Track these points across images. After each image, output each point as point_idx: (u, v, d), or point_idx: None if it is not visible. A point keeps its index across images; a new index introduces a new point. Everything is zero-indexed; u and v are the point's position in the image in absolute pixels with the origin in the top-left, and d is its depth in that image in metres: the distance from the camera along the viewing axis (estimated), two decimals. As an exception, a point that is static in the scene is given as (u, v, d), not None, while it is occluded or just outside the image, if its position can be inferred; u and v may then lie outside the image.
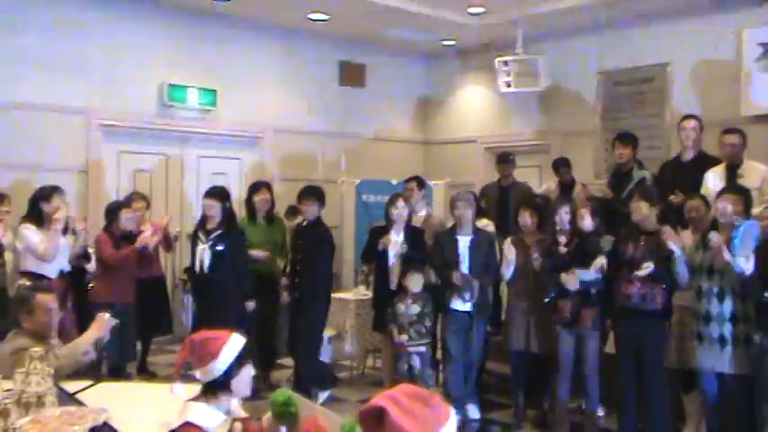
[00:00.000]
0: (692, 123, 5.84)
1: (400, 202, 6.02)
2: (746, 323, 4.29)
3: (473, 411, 5.76)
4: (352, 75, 9.71)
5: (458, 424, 1.86)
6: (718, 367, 4.37)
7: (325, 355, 6.65)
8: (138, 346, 6.68)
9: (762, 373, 4.31)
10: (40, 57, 7.34)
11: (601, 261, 4.97)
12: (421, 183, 6.70)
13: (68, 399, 3.25)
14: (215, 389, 2.55)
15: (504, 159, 7.34)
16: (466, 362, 5.71)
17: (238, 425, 2.58)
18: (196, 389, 2.63)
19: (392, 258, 5.99)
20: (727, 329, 4.31)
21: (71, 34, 7.51)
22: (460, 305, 5.66)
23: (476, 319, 5.68)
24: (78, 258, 5.94)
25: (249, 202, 6.57)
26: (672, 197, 5.39)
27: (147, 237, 6.03)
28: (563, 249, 5.22)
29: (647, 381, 4.87)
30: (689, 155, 5.87)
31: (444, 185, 8.80)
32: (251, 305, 6.00)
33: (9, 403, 2.75)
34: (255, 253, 6.25)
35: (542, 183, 8.89)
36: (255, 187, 6.63)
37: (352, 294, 6.88)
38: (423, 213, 6.58)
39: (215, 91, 8.42)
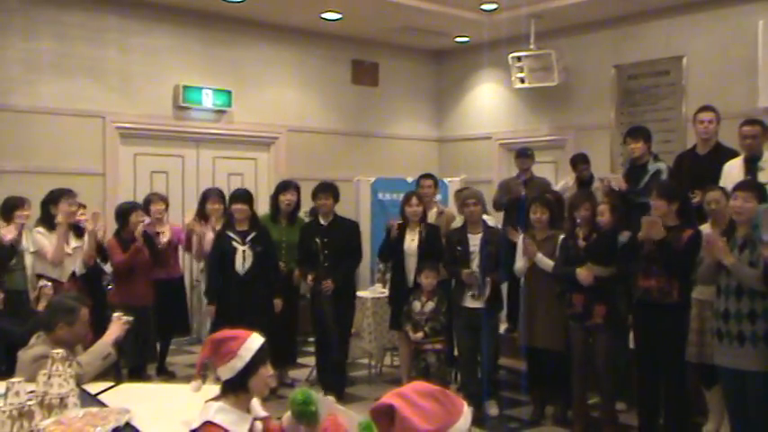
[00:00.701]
0: (708, 116, 5.78)
1: (414, 200, 6.04)
2: (766, 320, 4.25)
3: (491, 408, 5.75)
4: (365, 74, 9.72)
5: (475, 421, 1.86)
6: (737, 364, 4.33)
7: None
8: (157, 347, 6.73)
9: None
10: (57, 61, 7.43)
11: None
12: (436, 180, 6.70)
13: (91, 400, 3.27)
14: (234, 388, 2.57)
15: (523, 154, 7.29)
16: (479, 359, 5.70)
17: (259, 424, 2.60)
18: (216, 389, 2.64)
19: (408, 256, 5.99)
20: (746, 327, 4.27)
21: (87, 39, 7.59)
22: (472, 302, 5.66)
23: (487, 316, 5.68)
24: (93, 258, 5.93)
25: (275, 200, 6.58)
26: (692, 197, 5.32)
27: (144, 224, 6.05)
28: (581, 243, 5.21)
29: (665, 375, 4.85)
30: (705, 147, 5.82)
31: (459, 182, 8.79)
32: (278, 303, 6.05)
33: (32, 405, 2.78)
34: None
35: (558, 179, 8.85)
36: (283, 187, 6.61)
37: (369, 293, 6.88)
38: (435, 210, 6.59)
39: (230, 92, 8.46)
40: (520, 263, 5.65)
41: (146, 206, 6.57)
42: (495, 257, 5.68)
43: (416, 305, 5.81)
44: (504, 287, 6.10)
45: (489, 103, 9.86)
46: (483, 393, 5.70)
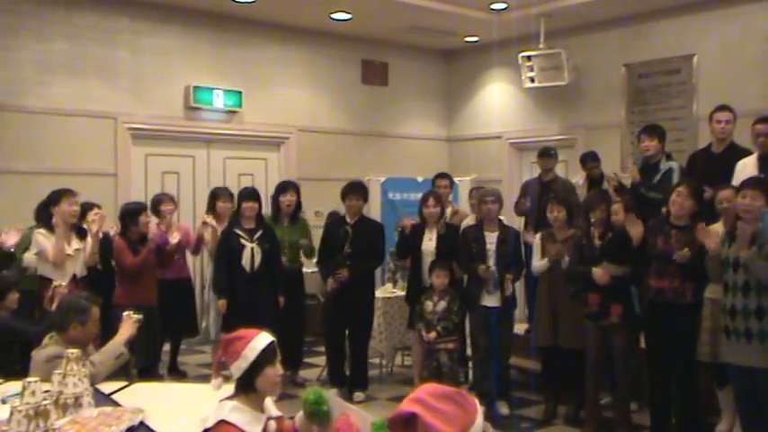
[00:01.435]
0: (725, 116, 5.73)
1: (431, 201, 6.05)
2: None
3: (502, 407, 5.75)
4: (375, 73, 9.73)
5: (486, 420, 1.86)
6: (745, 361, 4.32)
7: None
8: (167, 347, 6.76)
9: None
10: (69, 63, 7.47)
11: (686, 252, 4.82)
12: (452, 180, 6.70)
13: (105, 399, 3.29)
14: (244, 388, 2.58)
15: (546, 153, 7.15)
16: (495, 358, 5.71)
17: (272, 423, 2.61)
18: (231, 388, 2.65)
19: (426, 256, 6.01)
20: (753, 323, 4.26)
21: (98, 40, 7.63)
22: (488, 300, 5.67)
23: (503, 314, 5.68)
24: (95, 260, 5.94)
25: (275, 201, 6.61)
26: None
27: (154, 231, 6.07)
28: (597, 242, 5.21)
29: (677, 375, 4.84)
30: (720, 146, 5.79)
31: (470, 181, 8.79)
32: (281, 300, 6.09)
33: (48, 404, 2.80)
34: None
35: (568, 178, 8.84)
36: (283, 188, 6.64)
37: (381, 292, 6.89)
38: (449, 209, 6.61)
39: (240, 92, 8.49)
40: (538, 262, 5.64)
41: (155, 206, 6.59)
42: (510, 256, 5.69)
43: (428, 305, 5.82)
44: (521, 288, 6.08)
45: (499, 102, 9.85)
46: (496, 392, 5.70)
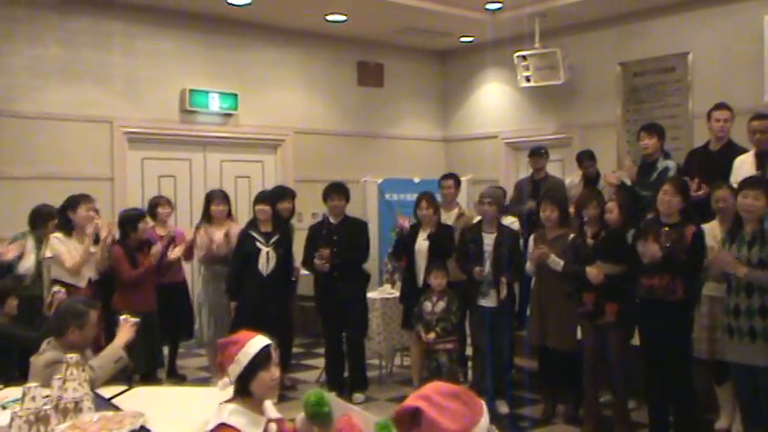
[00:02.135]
0: (724, 114, 5.71)
1: (424, 204, 6.06)
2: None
3: (501, 407, 5.76)
4: (370, 75, 9.74)
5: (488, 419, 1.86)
6: (749, 360, 4.32)
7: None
8: (166, 351, 6.74)
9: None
10: (63, 67, 7.47)
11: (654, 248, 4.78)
12: (458, 181, 6.69)
13: (105, 404, 3.29)
14: (240, 391, 2.59)
15: (536, 153, 7.23)
16: (495, 357, 5.72)
17: (273, 425, 2.61)
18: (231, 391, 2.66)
19: (419, 256, 6.03)
20: (758, 322, 4.26)
21: (92, 44, 7.62)
22: (486, 301, 5.68)
23: (501, 314, 5.70)
24: (106, 266, 5.96)
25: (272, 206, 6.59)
26: (692, 191, 5.32)
27: (160, 248, 6.05)
28: (590, 242, 5.21)
29: (672, 371, 4.83)
30: (718, 144, 5.80)
31: (466, 182, 8.78)
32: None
33: (48, 409, 2.80)
34: None
35: (565, 177, 8.85)
36: (280, 195, 6.65)
37: (378, 293, 6.89)
38: (455, 211, 6.55)
39: (236, 95, 8.49)
40: (531, 263, 5.65)
41: (152, 209, 6.59)
42: (507, 258, 5.69)
43: (427, 305, 5.82)
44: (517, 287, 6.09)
45: (495, 102, 9.86)
46: (494, 392, 5.70)
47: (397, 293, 6.73)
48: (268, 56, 8.85)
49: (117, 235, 6.03)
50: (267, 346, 2.61)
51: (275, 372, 2.62)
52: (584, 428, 5.33)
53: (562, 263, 5.38)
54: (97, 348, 4.06)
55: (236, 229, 6.38)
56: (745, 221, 4.39)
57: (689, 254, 4.69)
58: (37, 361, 3.61)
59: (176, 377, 6.78)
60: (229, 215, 6.62)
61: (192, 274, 7.64)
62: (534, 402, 5.91)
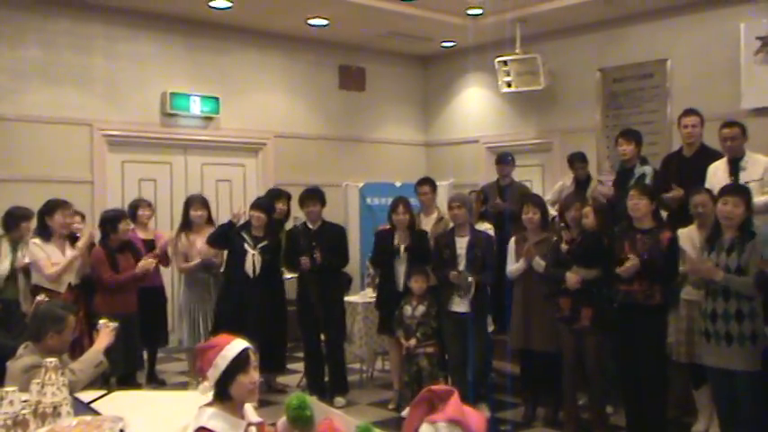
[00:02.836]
0: (692, 120, 5.81)
1: (401, 208, 6.06)
2: (753, 320, 4.30)
3: (482, 410, 5.77)
4: (352, 79, 9.75)
5: None
6: (725, 364, 4.37)
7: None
8: (145, 355, 6.71)
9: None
10: (43, 69, 7.41)
11: (633, 262, 4.80)
12: (434, 185, 6.72)
13: (84, 408, 3.27)
14: (219, 395, 2.58)
15: (503, 160, 7.32)
16: (468, 362, 5.74)
17: (253, 429, 2.61)
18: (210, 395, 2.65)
19: (398, 261, 6.04)
20: (733, 327, 4.32)
21: (73, 46, 7.57)
22: (458, 306, 5.69)
23: (474, 319, 5.71)
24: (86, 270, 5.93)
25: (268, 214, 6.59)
26: (666, 194, 5.37)
27: (149, 263, 6.01)
28: (564, 248, 5.24)
29: (648, 375, 4.87)
30: (691, 150, 5.87)
31: (448, 186, 8.82)
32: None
33: (26, 414, 2.78)
34: None
35: (545, 181, 8.93)
36: (275, 196, 6.66)
37: (359, 297, 6.90)
38: (434, 215, 6.56)
39: (217, 98, 8.46)
40: (513, 265, 5.67)
41: (132, 212, 6.57)
42: (481, 261, 5.71)
43: (407, 309, 5.83)
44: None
45: (476, 107, 9.90)
46: (473, 396, 5.72)
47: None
48: (249, 59, 8.83)
49: (96, 237, 6.00)
50: (246, 350, 2.60)
51: (254, 375, 2.62)
52: (563, 431, 5.37)
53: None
54: (81, 352, 4.03)
55: None
56: (724, 228, 4.44)
57: (665, 259, 4.75)
58: (14, 365, 3.57)
59: (156, 382, 6.75)
60: (209, 220, 6.60)
61: (172, 278, 7.61)
62: (515, 406, 5.94)
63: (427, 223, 6.40)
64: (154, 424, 3.19)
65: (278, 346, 6.40)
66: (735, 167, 5.41)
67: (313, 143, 9.35)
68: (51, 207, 5.62)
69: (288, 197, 6.77)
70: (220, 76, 8.56)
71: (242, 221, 6.32)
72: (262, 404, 2.83)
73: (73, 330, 3.79)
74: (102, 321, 3.98)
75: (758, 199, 4.98)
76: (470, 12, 8.33)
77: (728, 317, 4.32)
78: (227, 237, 6.21)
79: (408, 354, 5.81)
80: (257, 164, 9.00)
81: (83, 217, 6.28)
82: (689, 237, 4.94)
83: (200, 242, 6.37)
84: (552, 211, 6.10)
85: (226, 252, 6.34)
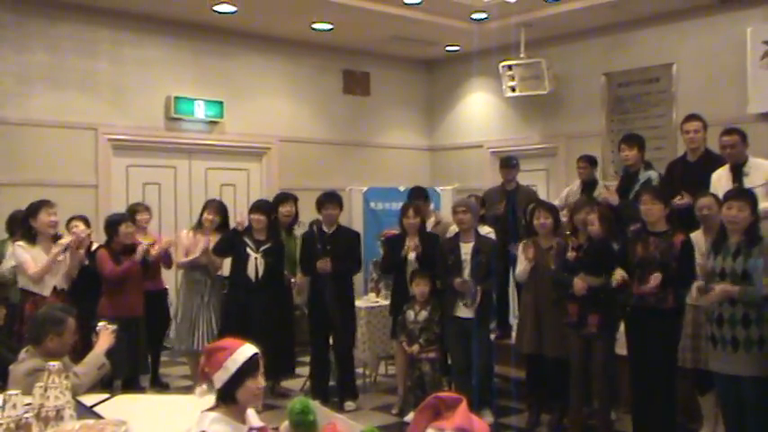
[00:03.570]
0: (694, 126, 5.79)
1: (411, 212, 6.07)
2: (759, 325, 4.28)
3: (486, 416, 5.75)
4: (356, 83, 9.75)
5: None
6: (731, 370, 4.35)
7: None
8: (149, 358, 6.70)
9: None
10: (49, 74, 7.43)
11: (620, 273, 4.88)
12: (426, 196, 6.70)
13: (87, 412, 3.26)
14: (224, 399, 2.57)
15: (508, 164, 7.28)
16: (472, 368, 5.72)
17: (255, 434, 2.60)
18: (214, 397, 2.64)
19: (408, 267, 6.04)
20: (740, 332, 4.30)
21: (78, 51, 7.59)
22: (463, 312, 5.68)
23: (479, 325, 5.69)
24: (74, 274, 5.90)
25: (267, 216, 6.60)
26: (676, 200, 5.35)
27: (145, 247, 6.05)
28: (571, 255, 5.23)
29: (660, 380, 4.85)
30: (695, 155, 5.85)
31: (452, 191, 8.82)
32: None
33: (29, 417, 2.77)
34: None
35: (549, 187, 8.91)
36: (282, 199, 6.67)
37: (363, 302, 6.88)
38: (432, 219, 6.61)
39: (221, 103, 8.47)
40: (521, 268, 5.65)
41: (130, 216, 6.56)
42: (485, 266, 5.69)
43: (410, 314, 5.83)
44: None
45: (480, 111, 9.89)
46: (476, 402, 5.70)
47: (381, 302, 6.74)
48: (254, 64, 8.84)
49: (90, 240, 6.01)
50: (255, 354, 2.61)
51: (261, 380, 2.62)
52: (568, 437, 5.35)
53: None
54: (75, 356, 4.02)
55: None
56: (729, 232, 4.43)
57: (678, 262, 4.73)
58: (17, 369, 3.57)
59: (159, 385, 6.74)
60: (221, 227, 6.56)
61: (176, 282, 7.59)
62: (519, 412, 5.91)
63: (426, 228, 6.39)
64: (156, 428, 3.18)
65: (285, 349, 6.39)
66: (738, 174, 5.40)
67: (317, 148, 9.35)
68: (35, 208, 5.58)
69: (295, 200, 6.74)
70: (225, 80, 8.57)
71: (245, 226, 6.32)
72: (264, 408, 2.81)
73: (74, 333, 3.78)
74: (101, 324, 3.98)
75: (763, 205, 4.95)
76: (475, 16, 8.33)
77: (735, 322, 4.30)
78: (232, 243, 6.21)
79: (411, 359, 5.80)
80: (261, 168, 9.00)
81: (87, 222, 6.27)
82: (695, 242, 4.92)
83: (203, 242, 6.36)
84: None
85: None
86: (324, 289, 6.08)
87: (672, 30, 7.94)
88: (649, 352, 4.85)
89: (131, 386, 5.90)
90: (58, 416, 2.95)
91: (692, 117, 5.87)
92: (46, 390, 2.98)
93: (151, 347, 6.63)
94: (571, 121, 8.83)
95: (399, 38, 8.97)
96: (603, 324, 5.10)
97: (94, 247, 6.16)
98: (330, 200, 6.25)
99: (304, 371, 6.75)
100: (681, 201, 5.35)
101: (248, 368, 2.56)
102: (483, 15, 8.30)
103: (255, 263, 6.10)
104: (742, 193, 4.55)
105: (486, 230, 6.32)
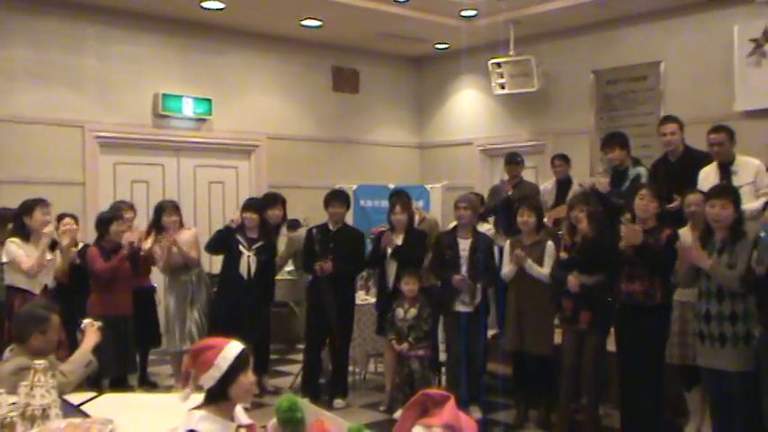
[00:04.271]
0: (670, 128, 5.81)
1: (398, 208, 6.06)
2: (746, 321, 4.31)
3: (474, 412, 5.76)
4: (345, 80, 9.74)
5: None
6: (719, 365, 4.39)
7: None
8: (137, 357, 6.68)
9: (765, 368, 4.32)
10: (35, 70, 7.37)
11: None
12: (405, 199, 6.68)
13: (73, 411, 3.25)
14: (215, 397, 2.56)
15: (512, 161, 7.25)
16: (469, 363, 5.73)
17: (243, 431, 2.59)
18: (200, 398, 2.63)
19: (387, 261, 6.05)
20: (727, 328, 4.32)
21: (64, 47, 7.54)
22: (462, 306, 5.69)
23: (476, 320, 5.71)
24: (65, 274, 5.88)
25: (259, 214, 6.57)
26: (673, 205, 5.37)
27: (132, 235, 6.05)
28: (563, 255, 5.25)
29: (648, 376, 4.88)
30: (675, 155, 5.89)
31: (441, 188, 8.82)
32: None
33: (14, 416, 2.75)
34: None
35: (538, 183, 8.90)
36: (270, 202, 6.63)
37: (352, 300, 6.87)
38: (416, 217, 6.60)
39: (210, 100, 8.44)
40: (507, 268, 5.67)
41: (118, 218, 6.50)
42: (483, 263, 5.71)
43: (399, 312, 5.83)
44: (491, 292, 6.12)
45: (470, 108, 9.90)
46: (465, 397, 5.71)
47: (371, 300, 6.73)
48: (242, 61, 8.81)
49: (76, 239, 5.98)
50: (244, 350, 2.60)
51: (252, 375, 2.62)
52: (555, 433, 5.37)
53: (541, 270, 5.43)
54: (61, 354, 4.00)
55: (187, 235, 6.37)
56: (714, 229, 4.46)
57: (663, 250, 4.76)
58: (2, 368, 3.54)
59: (147, 384, 6.72)
60: (181, 225, 6.52)
61: (164, 280, 7.56)
62: (507, 407, 5.93)
63: None
64: (144, 427, 3.17)
65: (262, 346, 6.37)
66: (726, 172, 5.43)
67: (306, 145, 9.34)
68: (30, 206, 5.56)
69: (283, 202, 6.70)
70: (213, 77, 8.54)
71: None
72: (253, 406, 2.80)
73: (59, 331, 3.75)
74: (86, 321, 3.95)
75: (748, 206, 4.98)
76: (464, 13, 8.33)
77: (722, 318, 4.34)
78: (225, 241, 6.20)
79: (400, 356, 5.80)
80: (250, 166, 8.98)
81: (75, 219, 6.24)
82: (683, 238, 4.95)
83: (186, 234, 6.35)
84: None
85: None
86: (324, 289, 6.04)
87: (659, 28, 7.97)
88: (637, 348, 4.87)
89: (119, 385, 5.88)
90: (44, 414, 2.92)
91: (667, 119, 5.93)
92: (32, 388, 2.95)
93: (139, 346, 6.60)
94: (560, 118, 8.85)
95: (388, 35, 8.96)
96: (594, 321, 5.14)
97: (80, 245, 6.15)
98: (337, 198, 6.26)
99: (293, 368, 6.75)
100: (673, 205, 5.37)
101: (240, 363, 2.56)
102: (472, 12, 8.30)
103: (248, 261, 6.12)
104: (724, 191, 4.58)
105: (485, 228, 6.34)
